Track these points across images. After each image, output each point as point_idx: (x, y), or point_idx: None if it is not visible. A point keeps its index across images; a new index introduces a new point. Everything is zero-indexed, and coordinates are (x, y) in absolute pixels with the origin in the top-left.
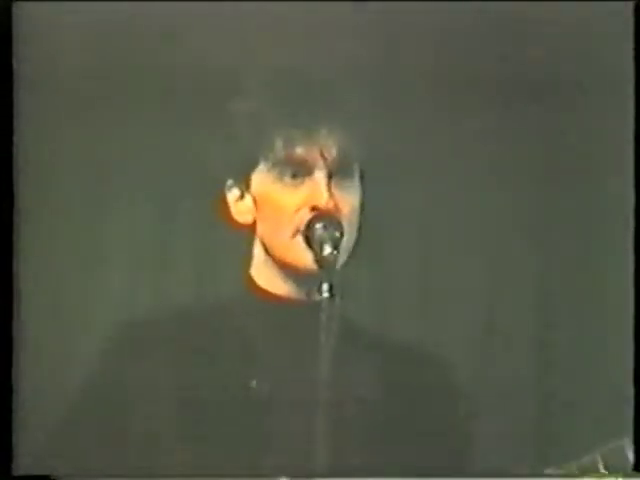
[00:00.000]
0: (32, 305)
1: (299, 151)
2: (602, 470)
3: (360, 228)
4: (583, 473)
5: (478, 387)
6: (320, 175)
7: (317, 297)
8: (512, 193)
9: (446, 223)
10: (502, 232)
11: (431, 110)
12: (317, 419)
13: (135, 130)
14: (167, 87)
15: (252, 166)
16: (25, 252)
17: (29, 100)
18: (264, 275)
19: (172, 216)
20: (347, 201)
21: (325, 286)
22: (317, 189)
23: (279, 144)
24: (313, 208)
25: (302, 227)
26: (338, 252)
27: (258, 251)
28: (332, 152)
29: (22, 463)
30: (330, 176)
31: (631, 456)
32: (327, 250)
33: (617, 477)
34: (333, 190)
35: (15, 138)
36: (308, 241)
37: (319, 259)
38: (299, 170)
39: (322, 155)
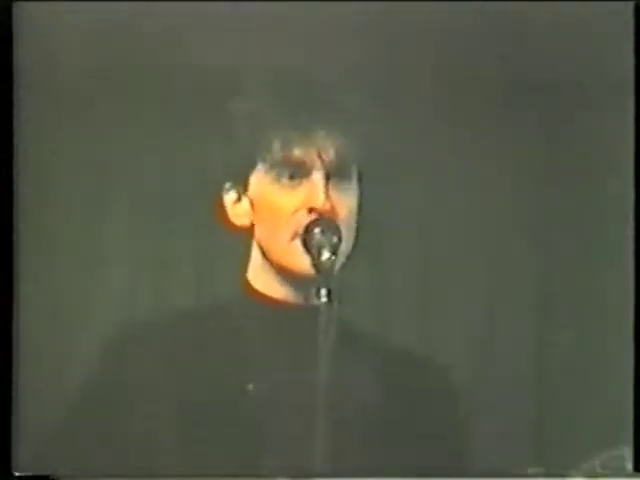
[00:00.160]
0: (32, 305)
1: (297, 152)
2: (602, 470)
3: (357, 230)
4: (585, 474)
5: (478, 387)
6: (318, 177)
7: (315, 302)
8: (512, 193)
9: (445, 224)
10: (502, 232)
11: (430, 110)
12: (316, 420)
13: (135, 130)
14: (167, 87)
15: (250, 168)
16: (25, 252)
17: (29, 100)
18: (261, 279)
19: (171, 217)
20: (344, 203)
21: (323, 291)
22: (314, 191)
23: (277, 145)
24: (310, 210)
25: (300, 230)
26: (336, 257)
27: (255, 254)
28: (330, 154)
29: (22, 463)
30: (328, 178)
31: (630, 461)
32: (325, 255)
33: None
34: (330, 192)
35: (15, 138)
36: (305, 245)
37: (317, 263)
38: (297, 171)
39: (320, 156)
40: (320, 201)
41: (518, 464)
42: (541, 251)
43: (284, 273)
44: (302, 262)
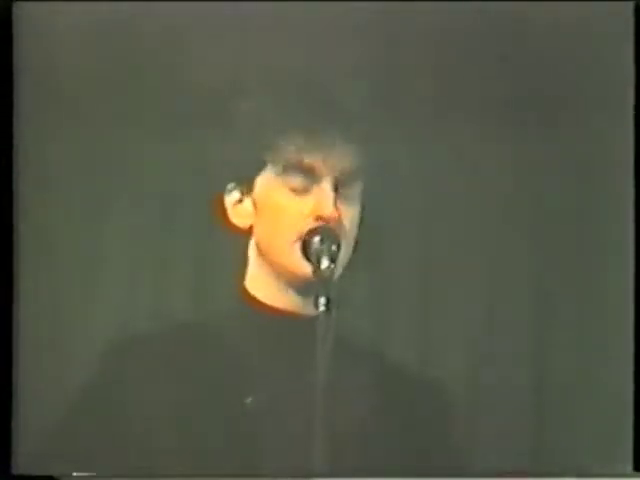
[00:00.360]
0: (32, 305)
1: (309, 158)
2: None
3: (356, 241)
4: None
5: (478, 387)
6: (327, 186)
7: (314, 311)
8: (512, 193)
9: (445, 227)
10: (502, 232)
11: (430, 111)
12: (316, 421)
13: (135, 130)
14: (167, 87)
15: (256, 170)
16: (25, 252)
17: (29, 100)
18: (259, 286)
19: (171, 217)
20: (347, 213)
21: (322, 300)
22: (324, 199)
23: (291, 150)
24: (318, 218)
25: (304, 235)
26: (335, 265)
27: (253, 259)
28: (341, 163)
29: (22, 463)
30: (337, 188)
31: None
32: (325, 264)
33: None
34: (337, 201)
35: (15, 138)
36: (305, 251)
37: (316, 271)
38: (308, 177)
39: (331, 165)
40: (329, 210)
41: (518, 464)
42: (541, 251)
43: (282, 274)
44: (301, 265)
